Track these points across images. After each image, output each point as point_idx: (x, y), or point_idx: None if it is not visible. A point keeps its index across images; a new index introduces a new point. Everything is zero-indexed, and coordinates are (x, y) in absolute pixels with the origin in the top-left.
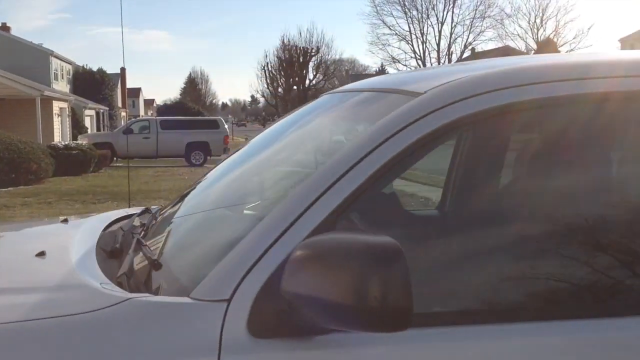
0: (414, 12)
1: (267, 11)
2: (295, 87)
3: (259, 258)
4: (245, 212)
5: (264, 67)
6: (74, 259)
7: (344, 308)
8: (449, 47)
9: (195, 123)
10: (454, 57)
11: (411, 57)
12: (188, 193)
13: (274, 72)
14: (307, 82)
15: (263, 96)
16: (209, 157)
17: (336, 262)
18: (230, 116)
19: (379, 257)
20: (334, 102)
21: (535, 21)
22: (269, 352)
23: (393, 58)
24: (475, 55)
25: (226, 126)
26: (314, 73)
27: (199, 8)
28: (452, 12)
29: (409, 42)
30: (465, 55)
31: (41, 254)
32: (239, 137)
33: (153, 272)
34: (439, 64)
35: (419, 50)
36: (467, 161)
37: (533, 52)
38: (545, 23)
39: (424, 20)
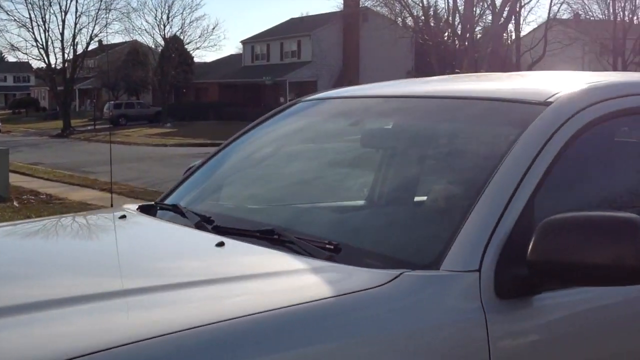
0: None
1: None
2: None
3: (491, 234)
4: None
5: None
6: (254, 247)
7: (602, 268)
8: (74, 37)
9: None
10: (80, 48)
11: (33, 45)
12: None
13: None
14: None
15: None
16: None
17: (592, 234)
18: None
19: (635, 227)
20: (417, 108)
21: (161, 17)
22: (514, 310)
23: (12, 45)
24: (103, 48)
25: None
26: None
27: None
28: (77, 1)
29: (30, 29)
30: (91, 47)
31: (220, 244)
32: None
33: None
34: (63, 53)
35: (42, 38)
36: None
37: (161, 48)
38: (172, 20)
39: (46, 8)
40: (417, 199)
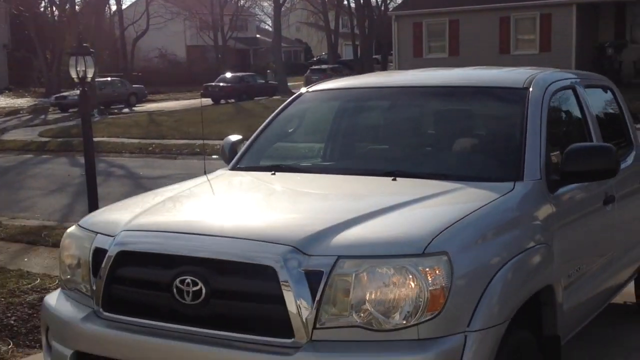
0: None
1: None
2: None
3: (539, 159)
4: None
5: None
6: (415, 180)
7: (598, 171)
8: None
9: None
10: None
11: None
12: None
13: None
14: None
15: None
16: None
17: (593, 154)
18: None
19: (610, 150)
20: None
21: None
22: (554, 196)
23: None
24: None
25: None
26: None
27: None
28: None
29: None
30: None
31: (394, 179)
32: None
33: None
34: None
35: None
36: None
37: None
38: None
39: None
40: (471, 145)
